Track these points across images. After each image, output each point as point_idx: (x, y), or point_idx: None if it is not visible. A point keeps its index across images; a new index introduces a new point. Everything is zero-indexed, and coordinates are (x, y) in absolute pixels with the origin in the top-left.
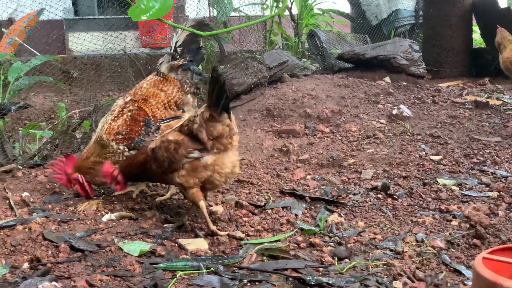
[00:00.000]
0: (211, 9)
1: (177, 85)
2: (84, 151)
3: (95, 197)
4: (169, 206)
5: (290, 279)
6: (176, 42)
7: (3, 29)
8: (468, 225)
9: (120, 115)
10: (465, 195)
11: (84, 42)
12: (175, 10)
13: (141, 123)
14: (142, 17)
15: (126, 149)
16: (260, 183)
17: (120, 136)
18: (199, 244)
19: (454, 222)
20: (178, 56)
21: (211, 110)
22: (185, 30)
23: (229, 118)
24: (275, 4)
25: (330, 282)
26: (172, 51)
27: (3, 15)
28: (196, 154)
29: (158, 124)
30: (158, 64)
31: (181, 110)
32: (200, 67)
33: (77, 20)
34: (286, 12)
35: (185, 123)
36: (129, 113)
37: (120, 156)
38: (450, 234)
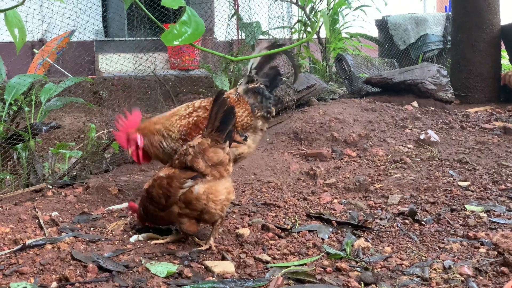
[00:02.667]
0: (239, 32)
1: (248, 109)
2: (155, 117)
3: (122, 218)
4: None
5: None
6: (252, 64)
7: (34, 50)
8: (496, 253)
9: (188, 116)
10: (493, 222)
11: (113, 64)
12: (204, 33)
13: (201, 131)
14: (174, 42)
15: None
16: (286, 206)
17: (179, 135)
18: (225, 267)
19: (482, 249)
20: (256, 79)
21: (213, 136)
22: (261, 51)
23: (229, 146)
24: (303, 28)
25: None
26: (248, 72)
27: (35, 36)
28: (189, 183)
29: None
30: (238, 84)
31: (244, 137)
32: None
33: (107, 42)
34: (314, 36)
35: (175, 157)
36: (195, 118)
37: (175, 143)
38: (477, 261)
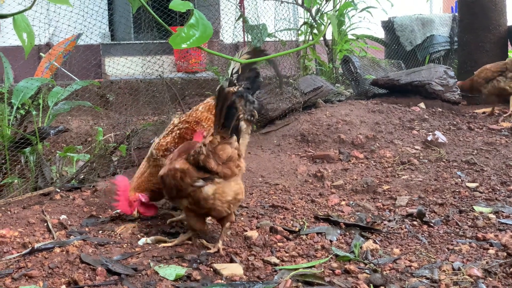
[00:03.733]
0: (245, 34)
1: None
2: (137, 171)
3: (130, 221)
4: (205, 231)
5: None
6: (233, 68)
7: (41, 54)
8: (505, 254)
9: (170, 132)
10: (502, 223)
11: (120, 67)
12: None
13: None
14: (182, 45)
15: None
16: (294, 208)
17: (169, 152)
18: (234, 269)
19: (491, 251)
20: (236, 82)
21: (220, 133)
22: (241, 57)
23: (238, 141)
24: (309, 30)
25: None
26: (229, 76)
27: (42, 40)
28: (200, 183)
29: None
30: (216, 89)
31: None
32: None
33: (114, 45)
34: (320, 38)
35: (192, 153)
36: (178, 131)
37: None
38: (487, 262)
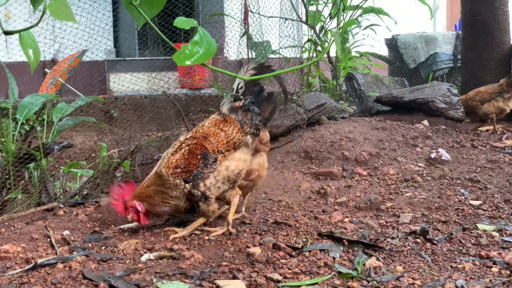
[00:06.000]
0: (250, 51)
1: (237, 125)
2: (145, 180)
3: (133, 237)
4: (207, 247)
5: None
6: (238, 84)
7: (46, 70)
8: (508, 272)
9: (178, 149)
10: (506, 241)
11: (125, 83)
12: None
13: (199, 156)
14: (186, 62)
15: (183, 183)
16: (297, 225)
17: (179, 170)
18: (236, 286)
19: (495, 269)
20: (241, 97)
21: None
22: (247, 73)
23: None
24: (313, 47)
25: None
26: (234, 92)
27: (47, 56)
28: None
29: (215, 156)
30: (221, 105)
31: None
32: None
33: (119, 61)
34: (324, 55)
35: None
36: (187, 148)
37: (177, 190)
38: (490, 280)
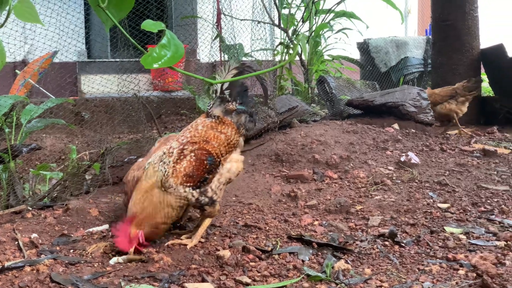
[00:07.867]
0: (222, 54)
1: (234, 127)
2: (136, 202)
3: (102, 240)
4: (176, 250)
5: None
6: (222, 85)
7: (16, 71)
8: (475, 274)
9: (182, 157)
10: (472, 244)
11: (96, 85)
12: (187, 54)
13: (205, 162)
14: (154, 65)
15: (191, 190)
16: (267, 228)
17: (189, 178)
18: None
19: (461, 271)
20: (229, 99)
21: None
22: (229, 72)
23: None
24: (285, 50)
25: None
26: (219, 93)
27: (17, 57)
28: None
29: (219, 159)
30: (209, 107)
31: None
32: None
33: (90, 63)
34: (296, 58)
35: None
36: (192, 154)
37: (184, 199)
38: (457, 283)
